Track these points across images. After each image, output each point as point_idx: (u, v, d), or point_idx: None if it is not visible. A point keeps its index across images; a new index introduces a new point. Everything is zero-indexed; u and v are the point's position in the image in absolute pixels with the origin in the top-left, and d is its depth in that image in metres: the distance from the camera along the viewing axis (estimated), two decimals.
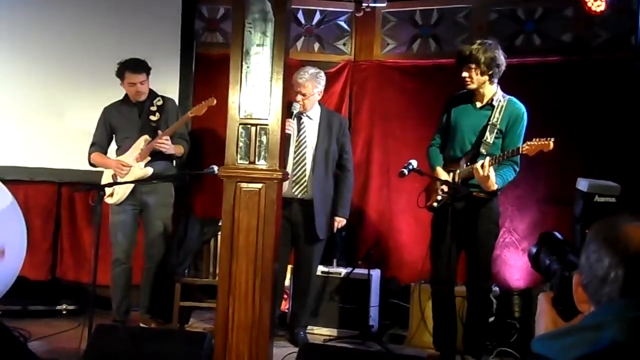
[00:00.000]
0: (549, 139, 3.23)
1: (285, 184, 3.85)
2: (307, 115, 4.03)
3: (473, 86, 3.49)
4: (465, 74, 3.46)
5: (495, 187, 3.34)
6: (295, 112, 3.90)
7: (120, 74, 4.13)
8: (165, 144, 4.05)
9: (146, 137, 4.13)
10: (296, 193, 3.93)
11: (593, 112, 4.26)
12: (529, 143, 3.28)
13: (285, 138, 3.19)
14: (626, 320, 1.00)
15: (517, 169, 3.48)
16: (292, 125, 3.88)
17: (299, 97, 3.92)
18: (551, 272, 1.42)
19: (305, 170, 3.96)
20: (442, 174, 3.57)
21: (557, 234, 1.51)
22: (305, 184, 3.95)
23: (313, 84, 3.95)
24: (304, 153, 3.97)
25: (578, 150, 4.27)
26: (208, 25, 5.03)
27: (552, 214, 4.37)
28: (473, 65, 3.43)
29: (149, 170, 4.08)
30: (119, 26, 4.79)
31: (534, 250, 1.50)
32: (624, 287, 1.05)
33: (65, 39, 4.77)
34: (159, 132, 4.13)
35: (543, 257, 1.46)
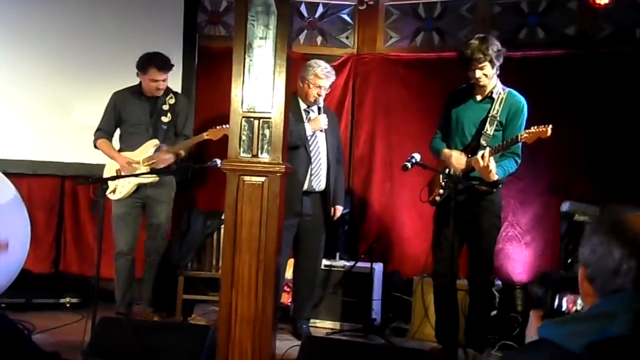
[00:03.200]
0: (546, 125, 3.23)
1: (306, 179, 3.89)
2: (311, 109, 4.04)
3: (487, 82, 3.47)
4: (479, 74, 3.42)
5: (495, 177, 3.34)
6: (321, 106, 3.95)
7: (144, 67, 4.07)
8: (163, 164, 4.06)
9: (156, 141, 4.13)
10: (315, 185, 3.95)
11: (597, 105, 4.25)
12: (527, 131, 3.29)
13: (288, 131, 3.18)
14: (635, 311, 1.00)
15: (519, 161, 3.48)
16: (325, 120, 3.93)
17: (322, 92, 3.93)
18: (542, 299, 1.46)
19: (321, 163, 3.98)
20: (453, 152, 3.54)
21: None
22: (320, 176, 3.97)
23: (332, 79, 4.01)
24: (318, 147, 3.99)
25: (581, 144, 4.26)
26: (211, 18, 5.03)
27: (554, 207, 4.36)
28: (486, 64, 3.40)
29: (156, 178, 4.09)
30: (121, 19, 4.78)
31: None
32: (638, 278, 1.04)
33: (69, 33, 4.76)
34: (169, 135, 4.17)
35: (536, 291, 1.51)
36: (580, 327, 1.02)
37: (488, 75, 3.45)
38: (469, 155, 3.50)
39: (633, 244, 1.05)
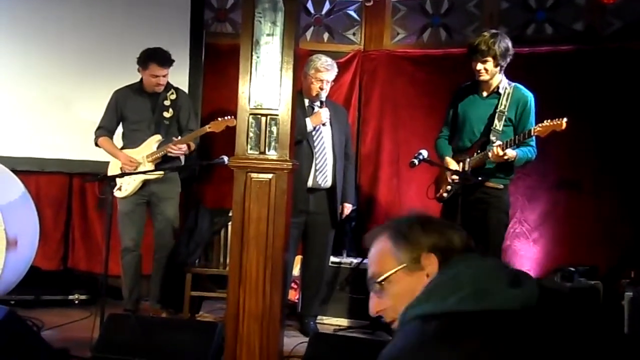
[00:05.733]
0: (561, 119, 3.21)
1: (310, 175, 3.89)
2: (315, 105, 4.03)
3: (487, 77, 3.48)
4: (480, 67, 3.44)
5: (514, 154, 3.34)
6: (323, 100, 3.93)
7: (144, 62, 4.07)
8: (180, 152, 4.06)
9: (158, 137, 4.13)
10: (320, 182, 3.95)
11: (605, 101, 4.23)
12: (540, 125, 3.28)
13: (295, 127, 3.17)
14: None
15: (535, 152, 3.47)
16: (326, 114, 3.92)
17: (324, 85, 3.91)
18: None
19: (326, 159, 3.97)
20: (452, 164, 3.56)
21: None
22: (326, 172, 3.96)
23: (334, 72, 3.99)
24: (323, 142, 3.98)
25: (589, 140, 4.24)
26: (217, 15, 5.03)
27: (562, 204, 4.35)
28: (489, 58, 3.41)
29: (161, 174, 4.09)
30: (128, 17, 4.79)
31: None
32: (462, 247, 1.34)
33: (76, 30, 4.77)
34: (171, 131, 4.16)
35: None
36: (439, 293, 1.18)
37: (488, 71, 3.45)
38: (478, 152, 3.49)
39: (444, 225, 1.38)
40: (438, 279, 1.23)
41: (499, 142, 3.36)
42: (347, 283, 4.28)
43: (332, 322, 4.26)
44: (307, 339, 3.31)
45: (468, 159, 3.53)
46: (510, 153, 3.34)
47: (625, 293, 3.51)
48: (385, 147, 4.83)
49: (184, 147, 4.07)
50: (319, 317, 4.21)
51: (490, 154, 3.36)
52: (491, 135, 3.44)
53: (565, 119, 3.21)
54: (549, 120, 3.25)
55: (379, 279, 1.32)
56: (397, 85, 4.82)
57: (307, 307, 4.13)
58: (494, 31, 3.49)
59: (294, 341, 3.59)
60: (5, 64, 4.77)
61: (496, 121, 3.46)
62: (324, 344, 3.09)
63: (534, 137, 3.39)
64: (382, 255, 1.35)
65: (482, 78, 3.48)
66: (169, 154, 4.08)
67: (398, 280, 1.31)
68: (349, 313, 4.26)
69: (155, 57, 4.05)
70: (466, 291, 1.13)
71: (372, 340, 3.71)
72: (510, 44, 3.44)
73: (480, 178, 3.44)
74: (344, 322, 4.25)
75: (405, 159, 3.85)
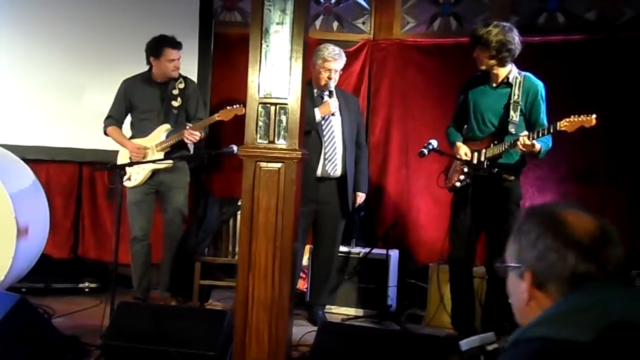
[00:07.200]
0: (590, 114, 3.15)
1: (319, 164, 3.88)
2: (325, 94, 4.02)
3: (482, 67, 3.48)
4: (475, 55, 3.47)
5: (538, 146, 3.29)
6: (332, 90, 3.91)
7: (157, 50, 4.07)
8: (192, 138, 4.06)
9: (167, 126, 4.14)
10: (329, 171, 3.94)
11: (617, 91, 4.19)
12: (567, 119, 3.19)
13: (305, 117, 3.17)
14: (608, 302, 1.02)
15: (551, 139, 3.43)
16: (335, 104, 3.91)
17: (332, 75, 3.90)
18: None
19: (335, 148, 3.96)
20: (462, 148, 3.55)
21: None
22: (336, 161, 3.95)
23: (342, 61, 3.97)
24: (332, 131, 3.97)
25: (601, 130, 4.19)
26: (226, 4, 5.01)
27: (573, 194, 4.32)
28: (482, 47, 3.40)
29: (170, 163, 4.10)
30: (137, 6, 4.79)
31: None
32: (598, 273, 1.07)
33: (85, 19, 4.78)
34: (180, 120, 4.17)
35: None
36: (570, 318, 1.03)
37: (482, 61, 3.45)
38: (495, 142, 3.46)
39: (581, 245, 1.08)
40: (562, 305, 1.07)
41: (525, 132, 3.30)
42: (356, 272, 4.29)
43: (340, 312, 4.27)
44: (315, 328, 3.32)
45: (484, 150, 3.50)
46: (536, 144, 3.29)
47: (636, 284, 3.50)
48: (394, 137, 4.82)
49: (197, 134, 4.07)
50: (327, 307, 4.22)
51: (519, 145, 3.29)
52: (509, 127, 3.40)
53: (594, 115, 3.13)
54: (576, 116, 3.17)
55: (503, 263, 1.16)
56: (406, 75, 4.79)
57: (316, 296, 4.14)
58: (500, 23, 3.45)
59: (303, 330, 3.61)
60: (15, 53, 4.79)
61: (512, 112, 3.42)
62: (332, 333, 3.09)
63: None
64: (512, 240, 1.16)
65: (478, 66, 3.48)
66: (186, 140, 4.08)
67: (511, 278, 1.15)
68: (357, 302, 4.27)
69: (167, 42, 4.07)
70: (592, 323, 0.99)
71: (380, 330, 3.72)
72: (512, 39, 3.38)
73: (496, 170, 3.42)
74: (352, 311, 4.26)
75: (415, 149, 3.83)
